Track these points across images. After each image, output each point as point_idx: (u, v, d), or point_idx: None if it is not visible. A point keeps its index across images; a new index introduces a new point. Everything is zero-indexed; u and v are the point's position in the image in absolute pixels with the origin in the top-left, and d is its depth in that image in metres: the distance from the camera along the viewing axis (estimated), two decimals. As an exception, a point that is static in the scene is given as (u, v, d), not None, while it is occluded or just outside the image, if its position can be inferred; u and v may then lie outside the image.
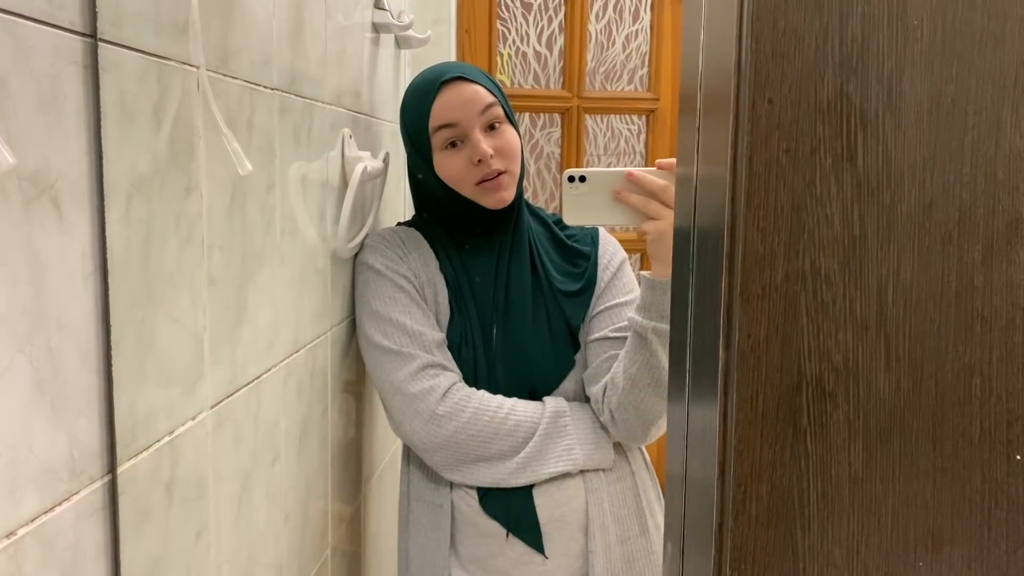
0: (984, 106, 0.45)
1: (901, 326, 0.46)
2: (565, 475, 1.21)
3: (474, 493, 1.23)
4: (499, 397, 1.21)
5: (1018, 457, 0.46)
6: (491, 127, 1.22)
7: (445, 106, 1.21)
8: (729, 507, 0.48)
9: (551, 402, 1.22)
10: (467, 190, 1.23)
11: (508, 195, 1.23)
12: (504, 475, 1.19)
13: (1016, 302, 0.46)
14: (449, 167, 1.22)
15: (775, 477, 0.47)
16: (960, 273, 0.46)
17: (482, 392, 1.21)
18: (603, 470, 1.24)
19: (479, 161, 1.20)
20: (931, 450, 0.47)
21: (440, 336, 1.23)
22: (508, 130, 1.24)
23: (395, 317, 1.21)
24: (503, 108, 1.23)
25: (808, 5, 0.44)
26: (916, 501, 0.47)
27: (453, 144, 1.22)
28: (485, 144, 1.20)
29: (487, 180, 1.21)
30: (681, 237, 0.58)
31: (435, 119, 1.21)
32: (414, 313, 1.22)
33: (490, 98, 1.21)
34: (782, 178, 0.45)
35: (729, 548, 0.48)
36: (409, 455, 1.30)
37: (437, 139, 1.22)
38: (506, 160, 1.22)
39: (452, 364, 1.22)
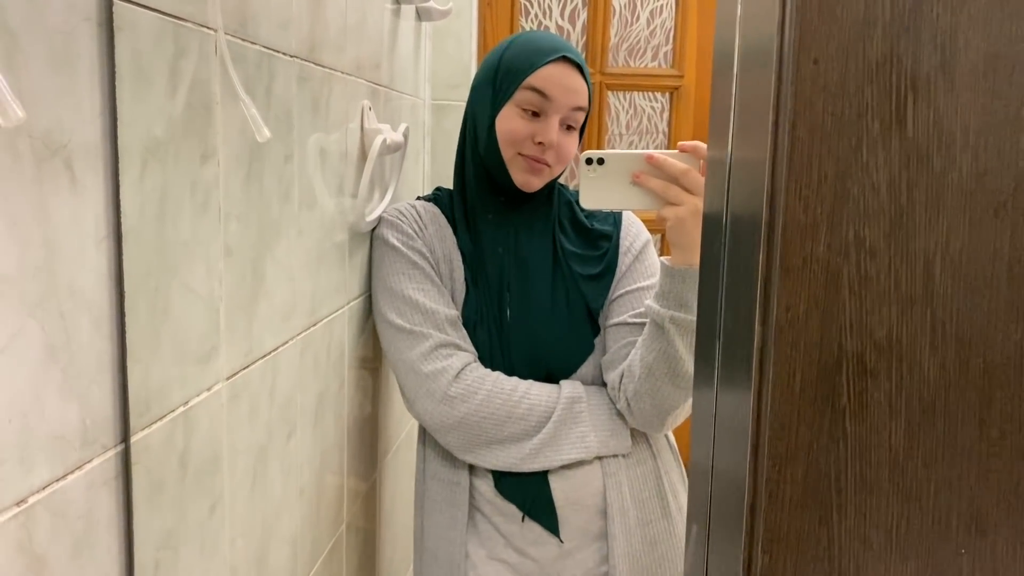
0: (1044, 69, 0.42)
1: (949, 302, 0.44)
2: (581, 460, 1.20)
3: (490, 475, 1.21)
4: (514, 379, 1.19)
5: (1069, 441, 0.44)
6: (567, 125, 1.21)
7: (554, 77, 1.18)
8: (762, 488, 0.46)
9: (567, 386, 1.21)
10: (509, 154, 1.21)
11: (537, 183, 1.22)
12: (517, 459, 1.17)
13: (1071, 278, 0.43)
14: (512, 125, 1.20)
15: (812, 457, 0.45)
16: (1013, 247, 0.43)
17: (497, 374, 1.19)
18: (621, 455, 1.22)
19: (540, 143, 1.18)
20: (977, 432, 0.44)
21: (454, 314, 1.21)
22: (575, 137, 1.23)
23: (409, 294, 1.20)
24: (584, 117, 1.23)
25: (859, -41, 0.42)
26: (960, 485, 0.45)
27: (529, 110, 1.19)
28: (555, 134, 1.19)
29: (531, 159, 1.20)
30: (713, 211, 0.56)
31: (536, 79, 1.18)
32: (428, 290, 1.21)
33: (585, 103, 1.21)
34: (826, 144, 0.43)
35: (761, 530, 0.46)
36: (425, 434, 1.29)
37: (521, 96, 1.19)
38: (557, 160, 1.22)
39: (467, 343, 1.21)
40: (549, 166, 1.21)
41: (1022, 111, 0.42)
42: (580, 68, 1.20)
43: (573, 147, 1.23)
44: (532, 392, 1.18)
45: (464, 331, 1.21)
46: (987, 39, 0.42)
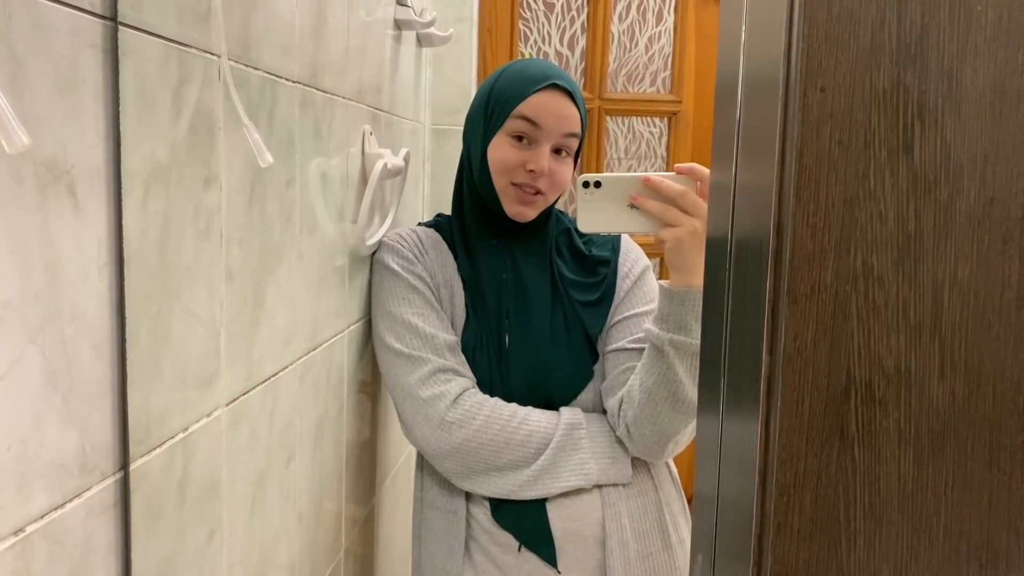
0: (1050, 98, 0.42)
1: (957, 330, 0.43)
2: (580, 489, 1.18)
3: (487, 503, 1.20)
4: (513, 405, 1.18)
5: (1080, 471, 0.44)
6: (558, 150, 1.21)
7: (543, 105, 1.18)
8: (770, 519, 0.45)
9: (567, 413, 1.20)
10: (501, 183, 1.21)
11: (531, 214, 1.22)
12: (515, 487, 1.16)
13: (1080, 307, 0.43)
14: (503, 154, 1.20)
15: (820, 487, 0.45)
16: (1022, 274, 0.43)
17: (495, 399, 1.18)
18: (621, 485, 1.20)
19: (531, 170, 1.18)
20: (987, 462, 0.44)
21: (453, 339, 1.20)
22: (569, 163, 1.23)
23: (408, 319, 1.19)
24: (578, 143, 1.22)
25: (865, -12, 0.42)
26: (970, 515, 0.44)
27: (520, 138, 1.19)
28: (547, 161, 1.18)
29: (523, 190, 1.19)
30: (717, 237, 0.56)
31: (525, 107, 1.18)
32: (427, 315, 1.20)
33: (577, 128, 1.20)
34: (834, 171, 0.43)
35: (769, 562, 0.45)
36: (423, 461, 1.28)
37: (512, 124, 1.19)
38: (551, 187, 1.21)
39: (465, 369, 1.20)
40: (542, 193, 1.20)
41: (1029, 140, 0.42)
42: (571, 94, 1.19)
43: (567, 173, 1.22)
44: (531, 418, 1.17)
45: (463, 357, 1.21)
46: (993, 68, 0.42)
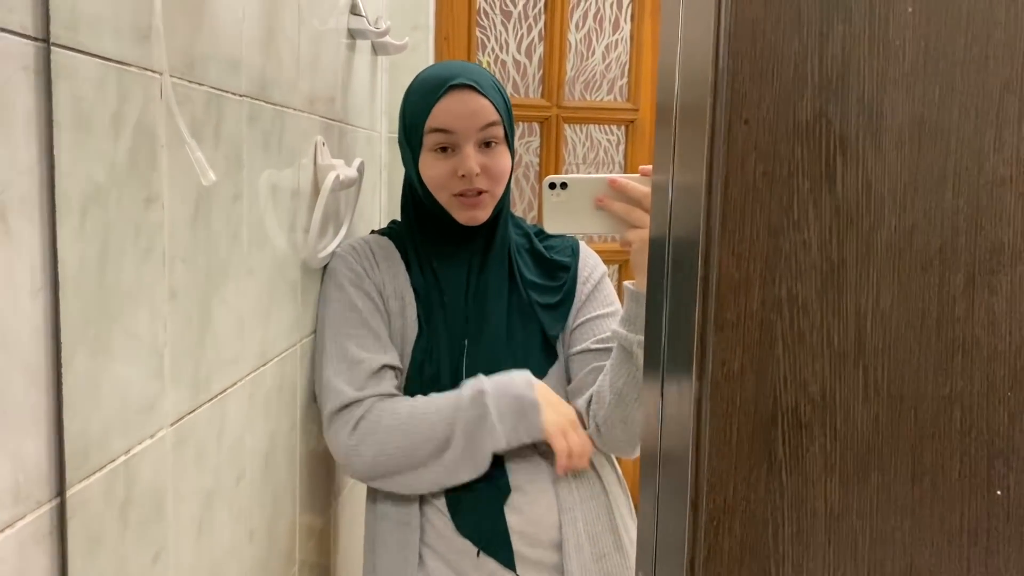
0: (967, 131, 0.43)
1: (879, 356, 0.44)
2: (537, 492, 1.19)
3: (446, 511, 1.20)
4: (409, 403, 1.17)
5: (999, 493, 0.45)
6: (486, 143, 1.20)
7: (447, 111, 1.18)
8: (701, 543, 0.46)
9: (470, 384, 1.18)
10: (443, 198, 1.21)
11: (482, 215, 1.22)
12: (448, 473, 1.16)
13: (998, 332, 0.45)
14: (433, 171, 1.20)
15: (749, 512, 0.45)
16: (941, 302, 0.44)
17: (394, 401, 1.17)
18: (576, 489, 1.21)
19: (463, 176, 1.18)
20: (910, 485, 0.45)
21: (381, 359, 1.19)
22: (502, 151, 1.21)
23: (340, 341, 1.20)
24: (504, 128, 1.21)
25: (787, 23, 0.43)
26: (894, 537, 0.45)
27: (443, 149, 1.19)
28: (474, 161, 1.17)
29: (466, 196, 1.19)
30: (656, 261, 0.56)
31: (433, 120, 1.18)
32: (362, 337, 1.20)
33: (494, 116, 1.19)
34: (758, 202, 0.44)
35: (701, 585, 0.46)
36: None
37: (429, 139, 1.19)
38: (491, 181, 1.20)
39: (383, 388, 1.19)
40: (485, 191, 1.20)
41: (946, 171, 0.43)
42: (475, 87, 1.18)
43: (502, 162, 1.21)
44: (431, 408, 1.17)
45: (388, 379, 1.20)
46: (911, 102, 0.43)
